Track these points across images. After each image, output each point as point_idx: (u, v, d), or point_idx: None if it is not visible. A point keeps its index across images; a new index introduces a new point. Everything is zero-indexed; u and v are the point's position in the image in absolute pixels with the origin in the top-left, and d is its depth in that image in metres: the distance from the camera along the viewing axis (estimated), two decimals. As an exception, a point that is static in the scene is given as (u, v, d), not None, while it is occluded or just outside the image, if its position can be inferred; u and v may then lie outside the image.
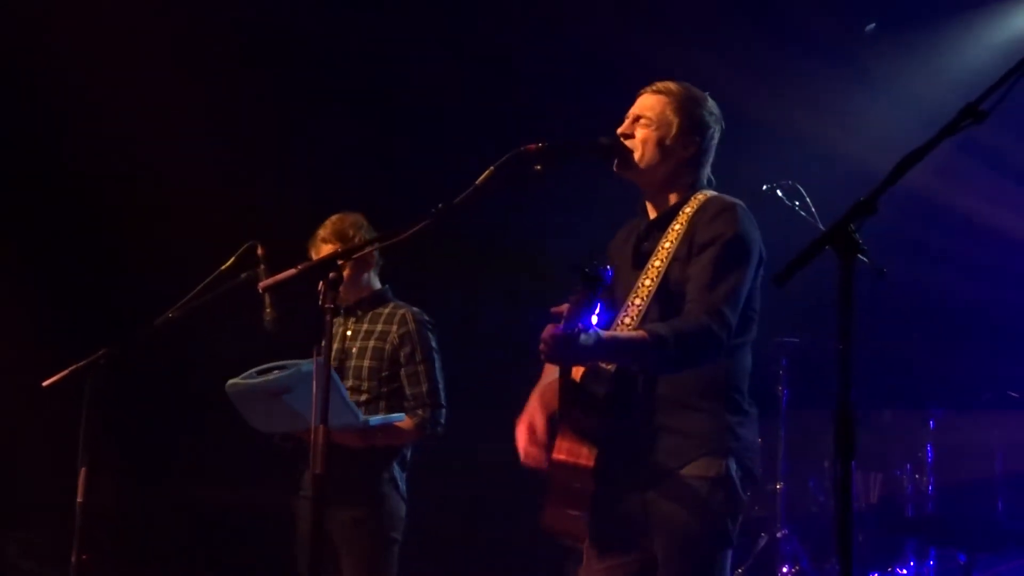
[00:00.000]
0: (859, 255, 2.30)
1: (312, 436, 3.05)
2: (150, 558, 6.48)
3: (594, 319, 2.90)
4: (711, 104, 3.38)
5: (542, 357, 2.97)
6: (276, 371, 4.13)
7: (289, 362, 4.13)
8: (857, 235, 2.29)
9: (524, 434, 3.20)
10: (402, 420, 4.44)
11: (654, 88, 3.37)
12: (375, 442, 4.35)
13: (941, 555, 5.96)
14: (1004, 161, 6.27)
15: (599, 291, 2.86)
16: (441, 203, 3.12)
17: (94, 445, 4.02)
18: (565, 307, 2.92)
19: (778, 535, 6.05)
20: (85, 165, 6.48)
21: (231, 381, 4.21)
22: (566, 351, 2.93)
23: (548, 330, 2.91)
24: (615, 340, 3.04)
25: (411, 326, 4.54)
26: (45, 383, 4.17)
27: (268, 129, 6.44)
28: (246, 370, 4.25)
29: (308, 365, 4.05)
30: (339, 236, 4.54)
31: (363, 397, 4.48)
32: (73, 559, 4.01)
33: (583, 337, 2.88)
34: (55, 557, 5.61)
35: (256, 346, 4.30)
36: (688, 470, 3.13)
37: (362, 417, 4.26)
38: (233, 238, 4.23)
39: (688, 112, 3.32)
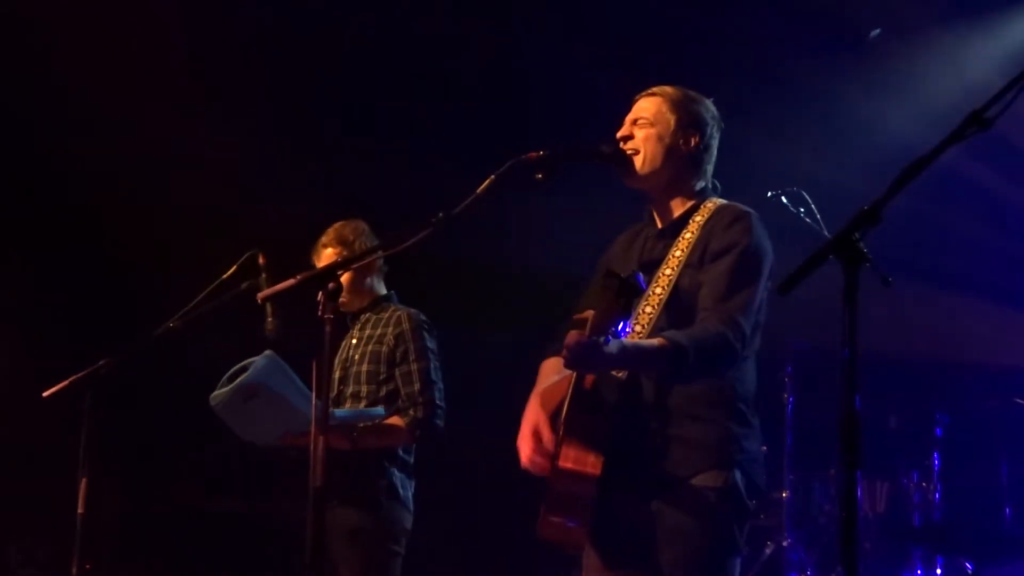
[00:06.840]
0: (864, 264, 2.27)
1: (311, 445, 3.01)
2: (151, 568, 6.45)
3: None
4: (708, 104, 3.38)
5: (564, 364, 2.94)
6: (241, 375, 4.11)
7: (247, 361, 4.11)
8: (861, 244, 2.27)
9: (528, 441, 3.15)
10: (381, 415, 4.30)
11: (649, 92, 3.38)
12: (364, 444, 4.23)
13: (948, 563, 5.93)
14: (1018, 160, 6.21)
15: (635, 300, 2.83)
16: (442, 212, 3.10)
17: (95, 455, 4.01)
18: (589, 313, 2.89)
19: (784, 543, 6.03)
20: (87, 174, 6.48)
21: (212, 395, 4.15)
22: (591, 358, 2.89)
23: (572, 336, 2.88)
24: (637, 348, 3.02)
25: (406, 326, 4.45)
26: (46, 393, 4.15)
27: (270, 138, 6.43)
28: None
29: (263, 359, 4.07)
30: (341, 242, 4.51)
31: (362, 403, 4.40)
32: (74, 570, 3.99)
33: (608, 346, 2.85)
34: (56, 567, 5.61)
35: (258, 355, 4.27)
36: (695, 480, 3.10)
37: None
38: (235, 247, 4.21)
39: (684, 108, 3.32)
